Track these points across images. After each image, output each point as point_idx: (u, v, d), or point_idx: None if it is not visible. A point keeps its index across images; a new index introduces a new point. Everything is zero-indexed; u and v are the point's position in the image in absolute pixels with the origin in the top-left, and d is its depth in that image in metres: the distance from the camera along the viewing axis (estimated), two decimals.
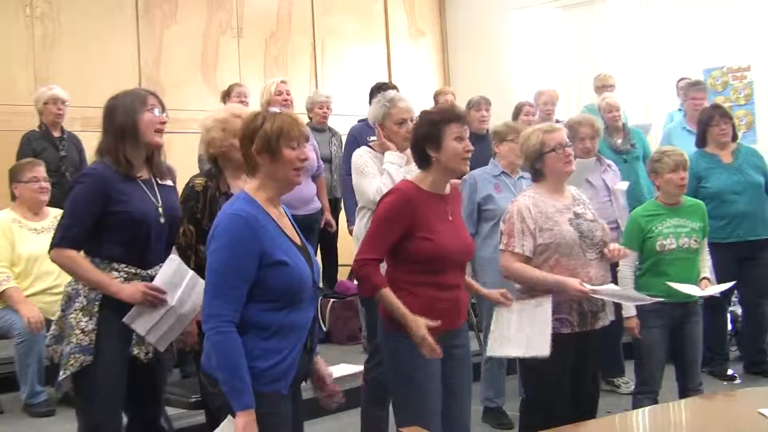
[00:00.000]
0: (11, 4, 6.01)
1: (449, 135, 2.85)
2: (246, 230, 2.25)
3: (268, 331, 2.28)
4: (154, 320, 2.73)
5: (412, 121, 3.55)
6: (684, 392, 3.74)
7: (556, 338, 3.06)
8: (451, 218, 2.93)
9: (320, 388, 2.57)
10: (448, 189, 2.99)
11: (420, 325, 2.73)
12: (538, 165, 3.29)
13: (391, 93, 3.71)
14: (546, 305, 3.08)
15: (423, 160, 2.92)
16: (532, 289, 3.19)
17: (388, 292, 2.80)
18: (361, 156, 3.67)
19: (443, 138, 2.85)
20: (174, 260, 2.81)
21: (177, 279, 2.77)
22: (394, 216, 2.83)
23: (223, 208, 2.40)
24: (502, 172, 4.19)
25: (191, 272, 2.81)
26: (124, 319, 2.70)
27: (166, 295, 2.73)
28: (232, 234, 2.26)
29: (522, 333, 3.08)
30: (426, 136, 2.88)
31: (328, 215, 5.49)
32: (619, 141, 5.33)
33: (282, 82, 5.12)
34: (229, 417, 2.20)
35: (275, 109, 2.45)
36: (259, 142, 2.33)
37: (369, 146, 3.74)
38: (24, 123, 5.42)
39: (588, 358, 3.26)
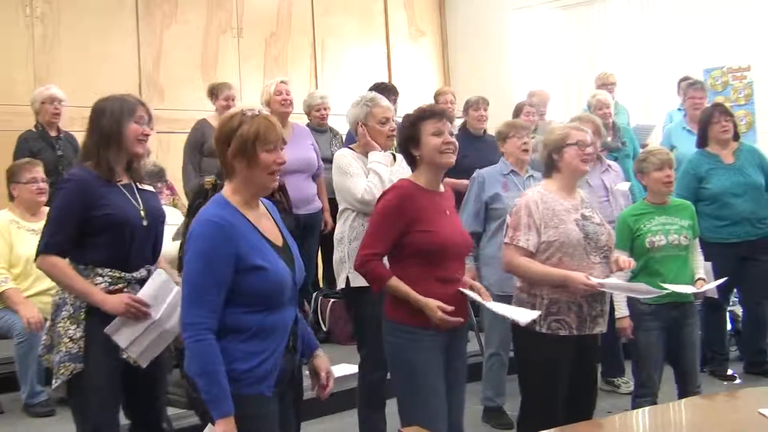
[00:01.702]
0: (11, 4, 6.01)
1: (426, 132, 2.93)
2: (219, 236, 2.22)
3: (247, 333, 2.24)
4: (137, 333, 2.69)
5: (393, 120, 3.59)
6: (683, 395, 3.72)
7: (554, 340, 3.06)
8: (448, 213, 2.99)
9: (316, 381, 2.52)
10: (442, 188, 3.04)
11: (433, 306, 2.78)
12: (556, 156, 3.28)
13: (370, 93, 3.73)
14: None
15: (411, 161, 3.01)
16: (532, 286, 3.19)
17: (396, 281, 2.86)
18: (344, 156, 3.62)
19: (421, 135, 2.93)
20: (161, 274, 2.78)
21: (162, 293, 2.74)
22: (395, 211, 2.89)
23: (198, 213, 2.34)
24: (511, 171, 4.21)
25: (177, 288, 2.74)
26: (105, 330, 2.66)
27: (149, 308, 2.70)
28: (206, 241, 2.22)
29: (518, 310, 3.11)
30: (407, 138, 2.97)
31: (326, 216, 5.47)
32: (609, 138, 5.33)
33: (282, 82, 5.05)
34: (210, 425, 2.18)
35: (253, 111, 2.38)
36: (235, 145, 2.30)
37: (350, 148, 3.72)
38: (23, 123, 5.40)
39: (586, 363, 3.23)
